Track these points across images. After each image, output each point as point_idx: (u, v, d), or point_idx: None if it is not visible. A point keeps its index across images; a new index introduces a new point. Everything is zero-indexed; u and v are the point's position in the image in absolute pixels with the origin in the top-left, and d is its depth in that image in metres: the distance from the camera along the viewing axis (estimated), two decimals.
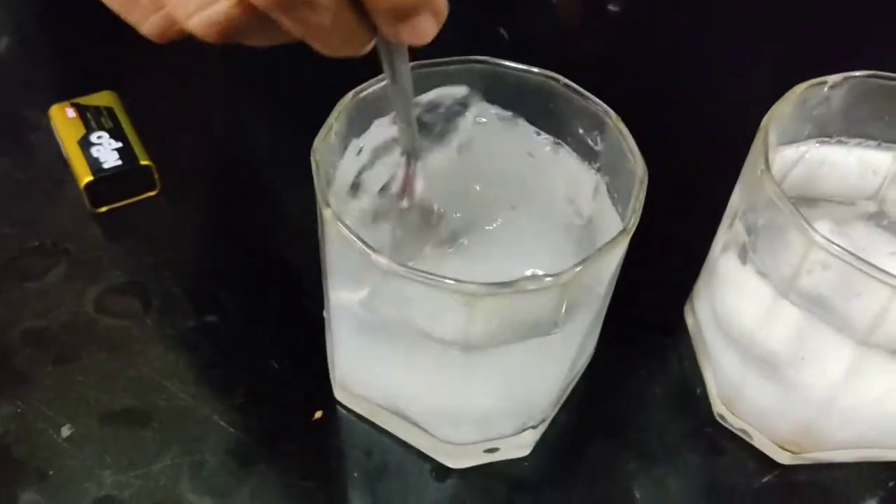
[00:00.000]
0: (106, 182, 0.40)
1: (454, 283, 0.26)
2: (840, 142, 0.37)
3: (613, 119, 0.32)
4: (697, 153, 0.46)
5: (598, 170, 0.34)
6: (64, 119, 0.42)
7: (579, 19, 0.56)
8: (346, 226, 0.27)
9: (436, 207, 0.33)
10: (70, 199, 0.41)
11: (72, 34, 0.49)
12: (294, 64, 0.46)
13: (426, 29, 0.25)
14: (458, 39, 0.52)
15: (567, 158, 0.34)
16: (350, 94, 0.32)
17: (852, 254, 0.28)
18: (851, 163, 0.37)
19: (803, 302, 0.31)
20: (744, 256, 0.34)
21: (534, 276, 0.26)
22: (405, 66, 0.28)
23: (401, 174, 0.32)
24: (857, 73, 0.34)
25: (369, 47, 0.26)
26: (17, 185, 0.42)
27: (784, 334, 0.33)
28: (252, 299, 0.38)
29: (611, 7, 0.55)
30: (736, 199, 0.35)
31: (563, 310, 0.28)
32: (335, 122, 0.31)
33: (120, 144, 0.41)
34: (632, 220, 0.29)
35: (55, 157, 0.42)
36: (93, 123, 0.42)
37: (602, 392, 0.37)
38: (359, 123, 0.33)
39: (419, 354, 0.29)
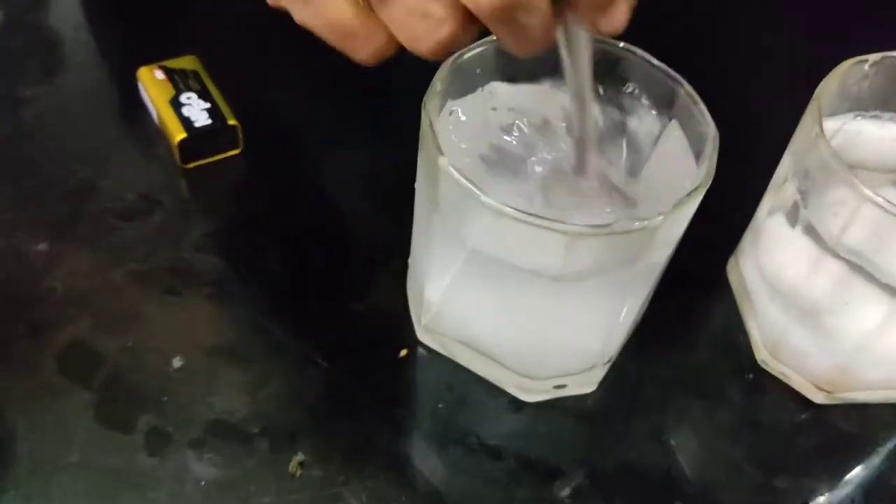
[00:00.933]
0: (197, 139, 0.43)
1: (559, 223, 0.29)
2: (875, 116, 0.41)
3: (686, 87, 0.35)
4: (743, 122, 0.50)
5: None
6: (153, 81, 0.45)
7: None
8: (459, 171, 0.31)
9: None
10: (160, 156, 0.44)
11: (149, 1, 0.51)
12: None
13: (622, 17, 0.27)
14: None
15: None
16: (451, 59, 0.35)
17: (890, 202, 0.32)
18: (885, 134, 0.41)
19: (849, 255, 0.35)
20: (793, 217, 0.38)
21: (626, 221, 0.30)
22: (588, 53, 0.29)
23: (573, 155, 0.34)
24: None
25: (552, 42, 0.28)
26: (110, 142, 0.45)
27: (826, 286, 0.37)
28: (330, 249, 0.42)
29: None
30: (786, 165, 0.38)
31: (643, 254, 0.31)
32: (440, 82, 0.34)
33: (208, 105, 0.44)
34: (706, 177, 0.32)
35: (144, 116, 0.45)
36: (181, 85, 0.45)
37: (654, 340, 0.41)
38: (454, 87, 0.36)
39: (514, 289, 0.33)
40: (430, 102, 0.33)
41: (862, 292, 0.35)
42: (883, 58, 0.38)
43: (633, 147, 0.37)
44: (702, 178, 0.32)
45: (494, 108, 0.37)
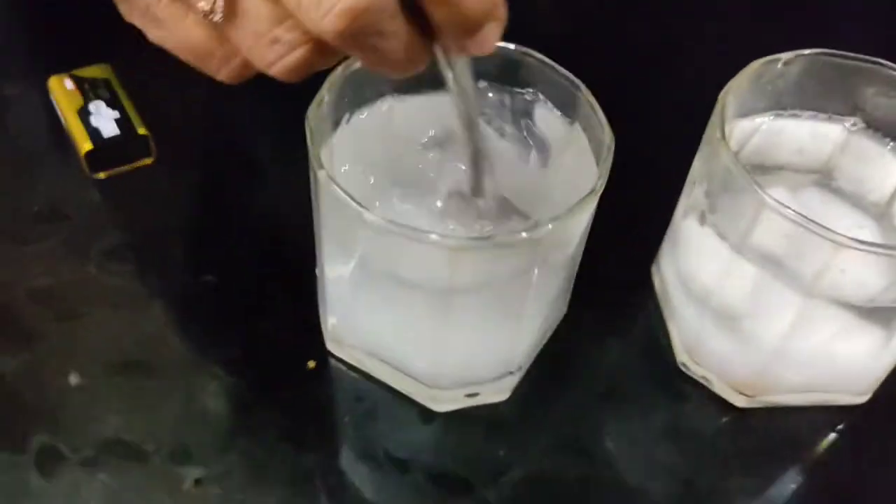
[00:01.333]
0: (105, 150, 0.42)
1: (439, 237, 0.29)
2: (794, 115, 0.40)
3: (584, 91, 0.34)
4: (661, 124, 0.50)
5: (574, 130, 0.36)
6: (63, 90, 0.44)
7: None
8: (340, 186, 0.30)
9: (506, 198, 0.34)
10: (69, 167, 0.43)
11: (63, 7, 0.50)
12: None
13: (492, 39, 0.26)
14: None
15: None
16: (340, 68, 0.34)
17: (798, 213, 0.31)
18: (804, 134, 0.40)
19: (756, 258, 0.34)
20: (702, 220, 0.37)
21: (510, 231, 0.29)
22: (468, 74, 0.28)
23: (467, 174, 0.33)
24: (808, 51, 0.37)
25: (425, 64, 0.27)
26: (15, 153, 0.44)
27: (740, 289, 0.36)
28: (246, 260, 0.41)
29: None
30: (696, 167, 0.37)
31: (537, 263, 0.30)
32: (326, 93, 0.33)
33: (117, 114, 0.43)
34: (599, 183, 0.31)
35: (53, 126, 0.44)
36: (90, 94, 0.44)
37: (574, 345, 0.40)
38: (349, 97, 0.35)
39: (406, 302, 0.32)
40: (314, 113, 0.32)
41: (775, 294, 0.35)
42: (796, 56, 0.38)
43: (540, 149, 0.37)
44: (594, 184, 0.31)
45: (391, 120, 0.36)
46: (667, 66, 0.51)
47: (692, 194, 0.38)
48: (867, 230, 0.39)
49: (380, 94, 0.36)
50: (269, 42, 0.25)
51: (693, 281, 0.38)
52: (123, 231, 0.41)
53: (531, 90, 0.36)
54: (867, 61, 0.38)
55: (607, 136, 0.33)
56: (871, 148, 0.40)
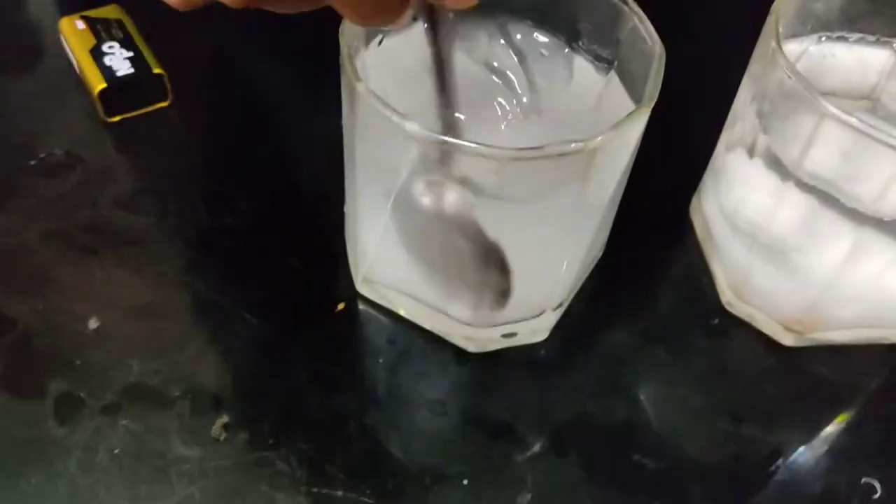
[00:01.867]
0: (119, 89, 0.40)
1: (486, 147, 0.27)
2: (841, 37, 0.38)
3: (630, 4, 0.32)
4: (700, 57, 0.48)
5: (611, 64, 0.34)
6: (74, 31, 0.42)
7: None
8: (379, 98, 0.28)
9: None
10: (83, 109, 0.41)
11: None
12: None
13: None
14: None
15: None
16: None
17: (862, 120, 0.29)
18: (852, 57, 0.38)
19: (811, 182, 0.32)
20: (751, 151, 0.35)
21: (562, 142, 0.27)
22: (447, 31, 0.27)
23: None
24: None
25: (407, 19, 0.26)
26: (29, 96, 0.42)
27: (789, 220, 0.34)
28: (268, 203, 0.39)
29: None
30: (745, 89, 0.36)
31: (586, 179, 0.29)
32: None
33: (131, 54, 0.41)
34: (650, 94, 0.29)
35: (66, 69, 0.42)
36: (103, 34, 0.42)
37: (613, 284, 0.38)
38: None
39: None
40: (348, 28, 0.30)
41: (828, 224, 0.33)
42: None
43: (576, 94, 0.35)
44: (645, 98, 0.29)
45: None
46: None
47: (740, 122, 0.36)
48: None
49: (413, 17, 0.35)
50: None
51: (739, 216, 0.36)
52: (139, 175, 0.40)
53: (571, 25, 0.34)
54: None
55: (658, 48, 0.31)
56: None
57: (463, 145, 0.27)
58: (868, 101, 0.39)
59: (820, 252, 0.34)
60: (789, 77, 0.31)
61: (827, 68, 0.38)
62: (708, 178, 0.39)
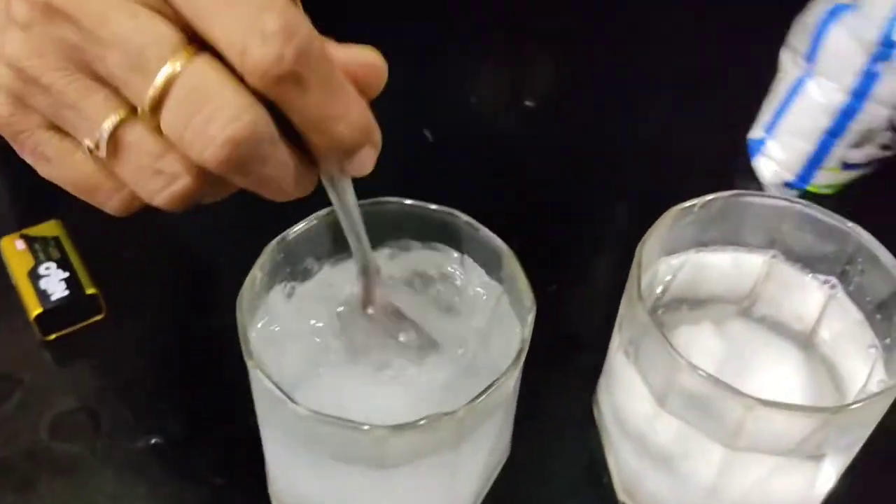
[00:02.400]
0: (55, 312, 0.43)
1: (362, 426, 0.30)
2: (715, 250, 0.41)
3: (507, 253, 0.36)
4: (609, 239, 0.52)
5: (501, 296, 0.38)
6: (14, 252, 0.45)
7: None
8: (268, 376, 0.31)
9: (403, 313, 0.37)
10: (22, 329, 0.44)
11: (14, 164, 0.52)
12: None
13: (368, 161, 0.28)
14: (387, 141, 0.57)
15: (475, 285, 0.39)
16: (273, 242, 0.35)
17: (709, 376, 0.32)
18: (727, 264, 0.42)
19: (677, 411, 0.35)
20: (629, 359, 0.38)
21: (433, 416, 0.30)
22: (351, 193, 0.31)
23: (360, 289, 0.35)
24: (721, 195, 0.39)
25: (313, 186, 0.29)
26: None
27: (668, 433, 0.37)
28: (195, 419, 0.42)
29: (527, 103, 0.60)
30: (621, 310, 0.39)
31: (464, 434, 0.32)
32: (259, 271, 0.34)
33: (67, 274, 0.44)
34: (522, 354, 0.33)
35: (6, 288, 0.45)
36: (41, 255, 0.45)
37: (518, 487, 0.41)
38: (283, 269, 0.36)
39: (340, 477, 0.33)
40: (247, 293, 0.33)
41: (699, 443, 0.36)
42: (709, 200, 0.39)
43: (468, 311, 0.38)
44: (509, 363, 0.32)
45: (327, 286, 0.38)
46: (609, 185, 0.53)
47: (621, 331, 0.39)
48: (792, 361, 0.40)
49: (316, 261, 0.38)
50: (152, 174, 0.26)
51: (626, 419, 0.39)
52: (75, 395, 0.42)
53: (457, 253, 0.38)
54: (780, 199, 0.40)
55: (528, 300, 0.34)
56: (792, 277, 0.41)
57: (340, 420, 0.30)
58: (746, 304, 0.42)
59: (697, 464, 0.37)
60: (649, 327, 0.34)
61: (706, 276, 0.42)
62: (603, 376, 0.42)
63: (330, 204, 0.32)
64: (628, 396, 0.39)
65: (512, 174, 0.55)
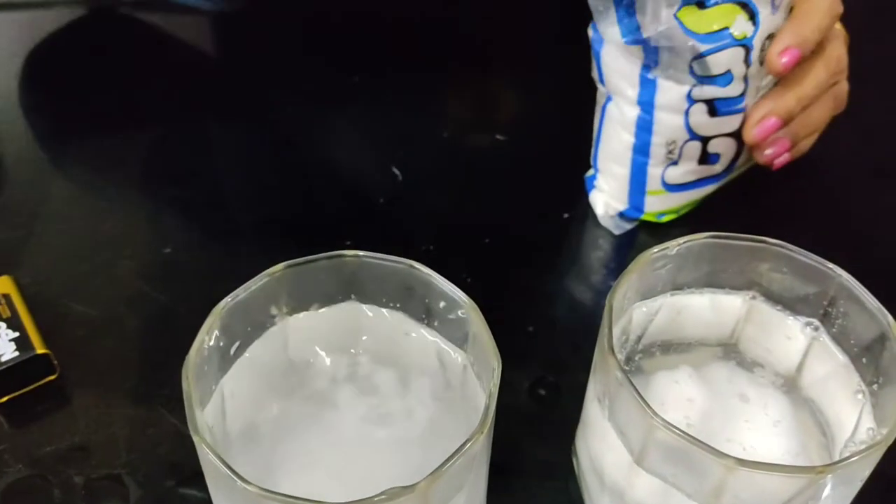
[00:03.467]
0: (5, 374, 0.41)
1: (313, 502, 0.28)
2: (692, 292, 0.40)
3: (471, 308, 0.34)
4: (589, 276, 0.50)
5: (466, 351, 0.36)
6: None
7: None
8: (216, 453, 0.29)
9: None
10: None
11: None
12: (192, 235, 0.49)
13: None
14: (355, 179, 0.56)
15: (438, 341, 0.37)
16: (221, 304, 0.34)
17: (686, 435, 0.31)
18: (706, 308, 0.40)
19: (654, 470, 0.33)
20: (605, 412, 0.36)
21: (393, 490, 0.28)
22: None
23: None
24: (697, 236, 0.37)
25: None
26: None
27: (647, 489, 0.35)
28: (153, 483, 0.40)
29: (498, 137, 0.59)
30: (595, 362, 0.37)
31: None
32: (206, 335, 0.33)
33: (17, 334, 0.42)
34: (488, 417, 0.31)
35: None
36: None
37: None
38: (233, 329, 0.35)
39: None
40: (192, 361, 0.31)
41: (679, 503, 0.34)
42: (686, 241, 0.37)
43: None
44: (481, 425, 0.30)
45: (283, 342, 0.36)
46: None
47: (596, 380, 0.37)
48: (777, 406, 0.39)
49: (271, 317, 0.36)
50: None
51: (603, 471, 0.37)
52: (26, 461, 0.40)
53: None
54: (756, 241, 0.38)
55: (494, 359, 0.32)
56: (773, 318, 0.39)
57: (289, 498, 0.28)
58: (727, 346, 0.40)
59: None
60: (621, 386, 0.32)
61: (684, 319, 0.40)
62: (580, 426, 0.41)
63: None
64: (604, 448, 0.37)
65: (484, 208, 0.54)
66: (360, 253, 0.36)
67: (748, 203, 0.53)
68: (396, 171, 0.55)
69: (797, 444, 0.38)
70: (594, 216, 0.53)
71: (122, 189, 0.54)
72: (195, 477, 0.39)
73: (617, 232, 0.52)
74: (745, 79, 0.46)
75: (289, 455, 0.35)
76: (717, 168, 0.51)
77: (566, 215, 0.53)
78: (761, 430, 0.38)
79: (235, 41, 0.66)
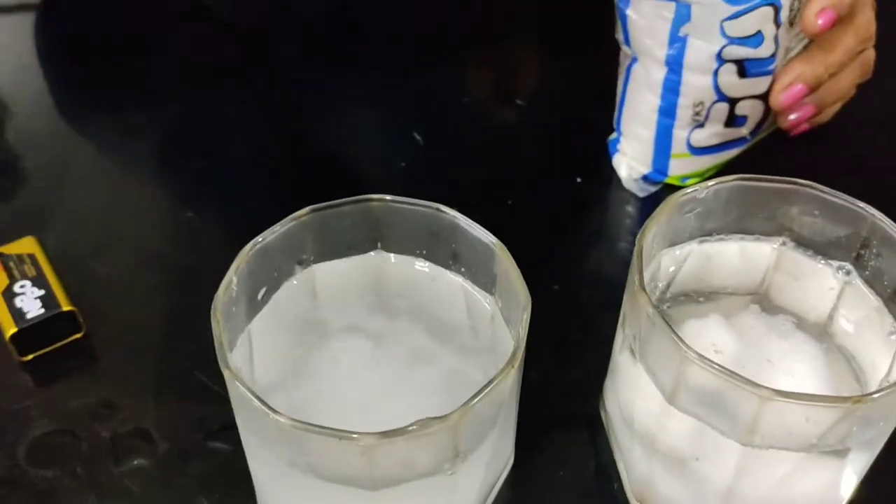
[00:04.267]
0: (31, 331, 0.41)
1: (348, 434, 0.28)
2: (721, 239, 0.39)
3: (499, 248, 0.34)
4: (611, 233, 0.50)
5: (494, 296, 0.36)
6: None
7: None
8: (247, 387, 0.29)
9: None
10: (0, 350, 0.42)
11: None
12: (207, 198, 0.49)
13: None
14: (376, 144, 0.55)
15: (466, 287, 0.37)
16: (248, 246, 0.34)
17: (722, 367, 0.30)
18: (734, 255, 0.39)
19: (688, 408, 0.33)
20: (635, 357, 0.36)
21: (424, 420, 0.28)
22: None
23: None
24: (727, 178, 0.37)
25: None
26: None
27: (679, 431, 0.35)
28: (179, 437, 0.40)
29: (518, 102, 0.58)
30: (624, 305, 0.37)
31: (459, 446, 0.29)
32: (234, 275, 0.32)
33: (43, 292, 0.42)
34: (518, 353, 0.30)
35: None
36: (16, 273, 0.43)
37: (525, 496, 0.39)
38: (259, 274, 0.34)
39: (328, 495, 0.31)
40: (221, 299, 0.31)
41: (714, 442, 0.33)
42: (716, 184, 0.37)
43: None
44: (506, 361, 0.30)
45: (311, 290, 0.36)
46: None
47: (625, 328, 0.37)
48: (809, 354, 0.38)
49: (297, 264, 0.36)
50: None
51: (634, 419, 0.37)
52: (54, 417, 0.40)
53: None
54: (786, 182, 0.37)
55: (523, 296, 0.32)
56: (804, 264, 0.39)
57: (321, 431, 0.28)
58: (758, 295, 0.40)
59: (714, 464, 0.35)
60: (654, 321, 0.32)
61: (713, 267, 0.40)
62: (609, 377, 0.40)
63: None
64: (636, 396, 0.37)
65: (506, 174, 0.54)
66: (388, 197, 0.36)
67: (774, 166, 0.52)
68: (418, 137, 0.55)
69: (831, 391, 0.37)
70: (618, 179, 0.52)
71: (142, 158, 0.54)
72: (222, 431, 0.39)
73: (641, 195, 0.52)
74: (776, 39, 0.46)
75: (316, 398, 0.35)
76: (744, 131, 0.50)
77: (588, 179, 0.53)
78: (793, 379, 0.37)
79: (253, 9, 0.66)
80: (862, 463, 0.35)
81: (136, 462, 0.39)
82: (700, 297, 0.40)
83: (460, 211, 0.36)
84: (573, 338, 0.44)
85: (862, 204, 0.36)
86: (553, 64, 0.62)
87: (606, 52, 0.51)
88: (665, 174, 0.51)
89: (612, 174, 0.53)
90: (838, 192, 0.36)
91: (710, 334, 0.38)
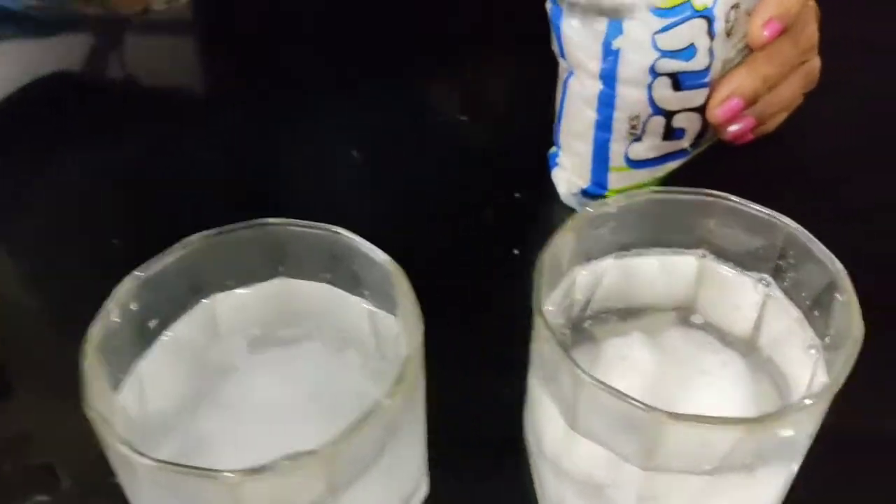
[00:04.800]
0: None
1: (213, 472, 0.26)
2: (639, 253, 0.38)
3: (393, 268, 0.33)
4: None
5: (397, 317, 0.34)
6: None
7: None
8: (112, 430, 0.28)
9: None
10: None
11: None
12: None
13: None
14: (315, 162, 0.54)
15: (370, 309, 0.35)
16: (128, 279, 0.32)
17: (614, 389, 0.29)
18: (656, 271, 0.38)
19: (589, 433, 0.31)
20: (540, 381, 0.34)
21: (294, 455, 0.27)
22: None
23: None
24: (637, 193, 0.36)
25: None
26: None
27: (585, 457, 0.33)
28: (84, 475, 0.38)
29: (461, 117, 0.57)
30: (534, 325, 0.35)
31: (336, 480, 0.28)
32: (116, 308, 0.31)
33: None
34: (406, 377, 0.29)
35: None
36: None
37: None
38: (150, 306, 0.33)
39: None
40: (92, 343, 0.30)
41: (616, 469, 0.32)
42: (625, 199, 0.36)
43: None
44: (389, 395, 0.29)
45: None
46: None
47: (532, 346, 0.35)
48: (733, 369, 0.37)
49: (194, 293, 0.35)
50: None
51: (543, 444, 0.35)
52: None
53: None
54: (700, 193, 0.36)
55: (413, 318, 0.31)
56: (726, 277, 0.37)
57: (186, 468, 0.27)
58: (682, 310, 0.38)
59: (619, 489, 0.33)
60: (547, 344, 0.31)
61: (635, 283, 0.38)
62: (525, 403, 0.39)
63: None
64: (542, 417, 0.35)
65: (443, 189, 0.52)
66: (285, 220, 0.35)
67: (715, 177, 0.51)
68: (355, 154, 0.54)
69: (754, 408, 0.35)
70: (557, 194, 0.51)
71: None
72: None
73: (580, 210, 0.50)
74: (711, 52, 0.45)
75: (219, 431, 0.34)
76: (684, 143, 0.49)
77: (528, 193, 0.52)
78: (717, 396, 0.36)
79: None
80: (781, 478, 0.33)
81: (38, 498, 0.37)
82: (623, 314, 0.38)
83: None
84: (504, 357, 0.43)
85: (777, 214, 0.35)
86: (497, 77, 0.61)
87: (548, 65, 0.50)
88: (604, 188, 0.50)
89: (552, 189, 0.52)
90: (752, 204, 0.35)
91: (631, 353, 0.37)
